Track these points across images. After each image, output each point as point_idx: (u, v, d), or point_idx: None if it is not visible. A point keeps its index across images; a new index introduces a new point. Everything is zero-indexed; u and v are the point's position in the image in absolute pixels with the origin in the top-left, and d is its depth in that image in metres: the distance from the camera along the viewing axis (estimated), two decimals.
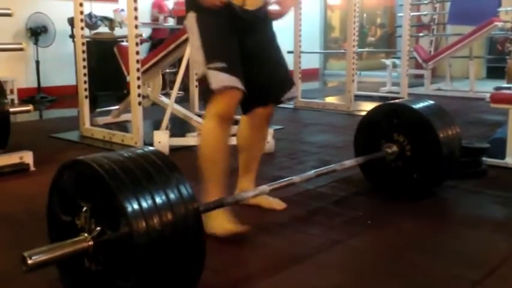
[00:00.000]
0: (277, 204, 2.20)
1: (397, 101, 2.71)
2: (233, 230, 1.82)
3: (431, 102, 2.51)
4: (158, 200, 1.28)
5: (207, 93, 1.84)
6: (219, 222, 1.85)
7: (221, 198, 1.67)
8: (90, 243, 1.31)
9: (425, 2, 8.39)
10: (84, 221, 1.34)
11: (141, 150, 1.44)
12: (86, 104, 3.98)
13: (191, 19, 1.94)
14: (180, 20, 6.96)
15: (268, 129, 2.19)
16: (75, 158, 1.38)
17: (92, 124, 4.07)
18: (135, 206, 1.24)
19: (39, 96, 6.06)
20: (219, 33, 1.87)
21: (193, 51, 1.94)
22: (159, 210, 1.27)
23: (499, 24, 6.14)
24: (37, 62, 6.03)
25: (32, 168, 2.93)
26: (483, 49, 8.76)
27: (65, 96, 6.17)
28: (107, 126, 4.22)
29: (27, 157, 2.92)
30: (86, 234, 1.32)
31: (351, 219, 2.12)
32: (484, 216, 2.23)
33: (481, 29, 6.09)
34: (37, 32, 5.97)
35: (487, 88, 6.10)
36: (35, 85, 6.12)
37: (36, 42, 5.99)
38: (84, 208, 1.34)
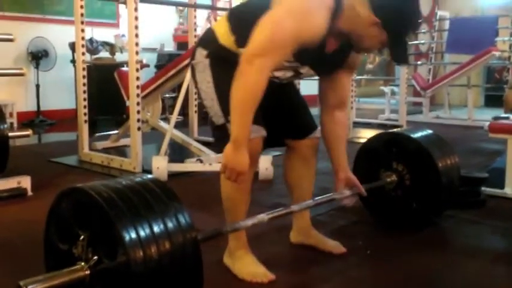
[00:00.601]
0: (335, 247, 2.09)
1: (396, 130, 2.71)
2: (261, 276, 1.80)
3: (430, 131, 2.51)
4: (156, 228, 1.27)
5: (224, 140, 1.72)
6: (247, 266, 1.85)
7: (220, 227, 1.65)
8: (87, 272, 1.30)
9: (423, 30, 8.50)
10: (81, 249, 1.33)
11: (139, 178, 1.44)
12: (85, 129, 3.98)
13: (202, 60, 1.85)
14: (181, 45, 7.03)
15: (316, 162, 2.10)
16: (73, 186, 1.37)
17: (90, 148, 4.07)
18: (133, 235, 1.23)
19: (38, 120, 6.07)
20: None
21: (207, 98, 1.85)
22: (156, 239, 1.26)
23: (497, 53, 6.21)
24: (37, 86, 6.05)
25: (30, 193, 2.91)
26: (481, 78, 8.85)
27: (64, 120, 6.18)
28: (106, 150, 4.21)
29: (25, 182, 2.91)
30: (82, 263, 1.31)
31: (350, 248, 2.09)
32: (483, 247, 2.22)
33: (479, 57, 6.15)
34: (38, 56, 6.01)
35: (485, 116, 6.14)
36: (35, 109, 6.13)
37: (37, 66, 6.02)
38: (82, 236, 1.33)
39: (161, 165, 3.30)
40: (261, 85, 1.60)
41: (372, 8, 1.63)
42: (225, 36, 1.81)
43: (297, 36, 1.61)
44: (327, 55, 1.77)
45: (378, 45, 1.71)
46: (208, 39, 1.87)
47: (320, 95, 2.01)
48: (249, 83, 1.59)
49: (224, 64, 1.79)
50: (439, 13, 7.97)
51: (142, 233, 1.24)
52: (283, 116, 1.97)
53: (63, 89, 6.37)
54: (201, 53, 1.86)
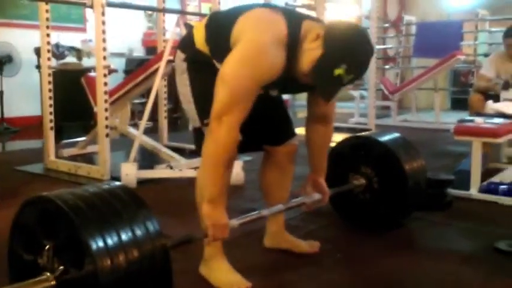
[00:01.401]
0: (309, 247, 2.13)
1: (363, 133, 2.74)
2: (238, 284, 1.79)
3: (397, 134, 2.55)
4: (124, 236, 1.25)
5: (201, 142, 1.72)
6: (224, 274, 1.83)
7: (189, 234, 1.63)
8: (52, 283, 1.27)
9: (390, 35, 8.64)
10: (46, 259, 1.29)
11: (107, 185, 1.42)
12: (51, 136, 3.89)
13: (181, 63, 1.86)
14: (150, 50, 6.97)
15: (293, 169, 2.10)
16: (38, 194, 1.34)
17: (57, 156, 3.98)
18: (100, 244, 1.21)
19: (2, 128, 5.92)
20: (212, 82, 1.66)
21: (184, 101, 1.86)
22: (125, 247, 1.24)
23: (462, 57, 6.35)
24: (1, 92, 5.91)
25: None
26: (447, 81, 9.03)
27: (29, 127, 6.05)
28: (73, 158, 4.13)
29: None
30: (48, 274, 1.28)
31: (321, 252, 2.11)
32: (450, 248, 2.25)
33: (445, 62, 6.28)
34: (1, 62, 5.86)
35: (451, 119, 6.24)
36: None
37: (0, 72, 5.88)
38: (47, 246, 1.30)
39: (130, 172, 3.26)
40: (232, 142, 1.62)
41: (325, 26, 1.66)
42: (201, 42, 1.82)
43: (257, 82, 1.62)
44: (293, 79, 1.73)
45: (310, 62, 1.62)
46: (186, 43, 1.88)
47: (307, 105, 2.02)
48: (220, 142, 1.60)
49: (201, 67, 1.81)
50: (406, 18, 8.11)
51: (109, 241, 1.22)
52: (261, 122, 1.94)
53: (28, 95, 6.23)
54: (180, 56, 1.87)
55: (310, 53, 1.62)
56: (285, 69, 1.65)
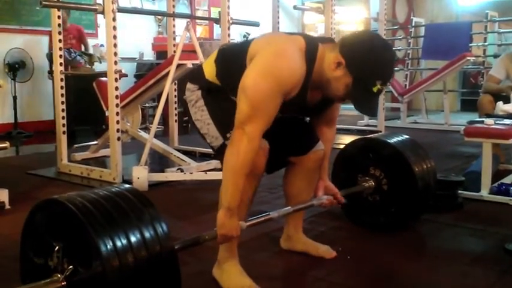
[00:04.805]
0: (326, 252, 2.14)
1: (371, 135, 2.74)
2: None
3: (406, 136, 2.55)
4: (132, 238, 1.28)
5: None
6: (234, 278, 1.83)
7: (198, 235, 1.65)
8: (63, 283, 1.29)
9: (399, 37, 8.62)
10: (56, 261, 1.32)
11: (116, 188, 1.44)
12: (63, 140, 3.94)
13: (194, 92, 1.89)
14: (160, 55, 7.02)
15: (317, 175, 2.08)
16: (47, 198, 1.37)
17: (69, 160, 4.03)
18: (109, 245, 1.23)
19: (15, 132, 6.00)
20: (229, 102, 1.74)
21: (202, 126, 1.87)
22: (133, 248, 1.26)
23: (471, 58, 6.31)
24: (14, 98, 5.98)
25: (7, 206, 2.87)
26: (457, 83, 8.99)
27: (42, 131, 6.11)
28: (85, 161, 4.17)
29: (3, 195, 2.87)
30: (58, 275, 1.30)
31: None
32: (461, 250, 2.25)
33: (454, 63, 6.25)
34: (15, 68, 5.94)
35: (461, 121, 6.23)
36: (12, 120, 6.05)
37: (13, 78, 5.96)
38: (57, 248, 1.32)
39: (141, 175, 3.29)
40: (252, 152, 1.64)
41: (341, 50, 1.66)
42: (212, 76, 1.85)
43: (277, 91, 1.63)
44: (310, 106, 1.79)
45: (344, 88, 1.67)
46: (197, 76, 1.91)
47: None
48: (242, 151, 1.62)
49: (216, 93, 1.84)
50: (415, 20, 8.09)
51: (118, 242, 1.24)
52: (287, 137, 1.96)
53: (40, 100, 6.30)
54: (191, 88, 1.90)
55: (340, 81, 1.66)
56: (303, 85, 1.68)
